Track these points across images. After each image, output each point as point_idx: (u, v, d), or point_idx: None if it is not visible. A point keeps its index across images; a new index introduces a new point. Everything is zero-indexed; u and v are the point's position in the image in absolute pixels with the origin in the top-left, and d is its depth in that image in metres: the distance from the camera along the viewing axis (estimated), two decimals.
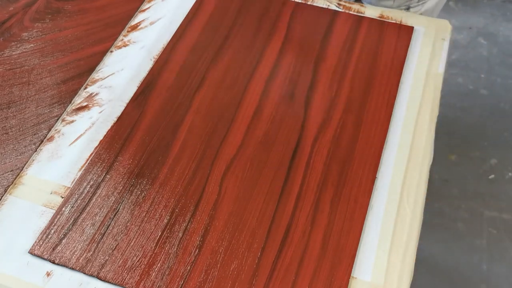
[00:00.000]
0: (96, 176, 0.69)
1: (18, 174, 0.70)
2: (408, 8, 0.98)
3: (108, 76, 0.81)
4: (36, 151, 0.72)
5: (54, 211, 0.66)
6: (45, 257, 0.62)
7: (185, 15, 0.89)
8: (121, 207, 0.66)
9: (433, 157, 0.72)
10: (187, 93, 0.78)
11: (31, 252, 0.62)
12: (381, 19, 0.87)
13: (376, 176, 0.69)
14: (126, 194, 0.67)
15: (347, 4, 0.89)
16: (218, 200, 0.66)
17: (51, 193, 0.68)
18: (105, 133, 0.74)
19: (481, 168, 1.51)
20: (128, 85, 0.80)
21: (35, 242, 0.63)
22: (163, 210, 0.65)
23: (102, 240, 0.63)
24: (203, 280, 0.60)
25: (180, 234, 0.63)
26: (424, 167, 0.70)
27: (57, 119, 0.76)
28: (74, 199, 0.67)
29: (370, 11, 0.88)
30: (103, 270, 0.61)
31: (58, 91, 0.79)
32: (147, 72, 0.81)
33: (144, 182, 0.68)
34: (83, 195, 0.67)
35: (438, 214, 1.41)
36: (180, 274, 0.60)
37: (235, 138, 0.72)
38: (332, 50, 0.83)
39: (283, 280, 0.60)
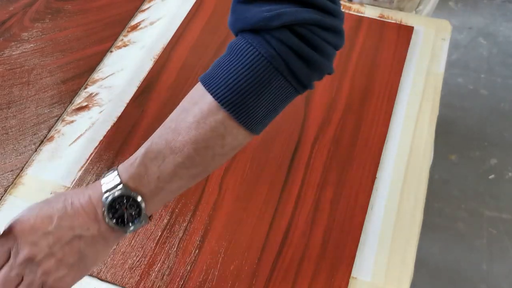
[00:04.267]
0: (96, 176, 0.69)
1: (18, 174, 0.70)
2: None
3: (108, 76, 0.81)
4: (36, 151, 0.72)
5: None
6: None
7: (185, 15, 0.89)
8: None
9: (433, 157, 0.71)
10: (187, 93, 0.78)
11: None
12: (381, 19, 0.87)
13: (376, 176, 0.69)
14: None
15: (347, 4, 0.89)
16: (218, 200, 0.66)
17: (51, 193, 0.68)
18: (105, 133, 0.74)
19: (481, 168, 1.51)
20: (128, 85, 0.80)
21: None
22: (163, 210, 0.65)
23: None
24: (203, 280, 0.60)
25: (180, 234, 0.63)
26: (424, 167, 0.70)
27: (57, 119, 0.76)
28: None
29: (370, 11, 0.88)
30: (103, 270, 0.60)
31: (58, 91, 0.79)
32: (147, 72, 0.81)
33: None
34: None
35: (438, 214, 1.41)
36: (180, 274, 0.60)
37: None
38: None
39: (283, 280, 0.59)
